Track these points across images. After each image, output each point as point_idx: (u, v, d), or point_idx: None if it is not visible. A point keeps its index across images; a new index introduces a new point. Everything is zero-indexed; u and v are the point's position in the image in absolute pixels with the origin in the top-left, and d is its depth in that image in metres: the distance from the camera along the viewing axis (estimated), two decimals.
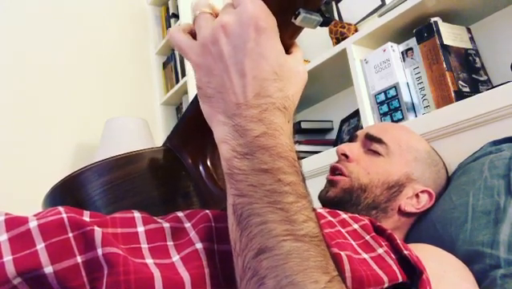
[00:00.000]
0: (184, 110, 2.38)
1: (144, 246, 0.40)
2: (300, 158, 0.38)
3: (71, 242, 0.37)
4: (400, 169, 0.73)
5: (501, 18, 1.13)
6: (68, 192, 0.50)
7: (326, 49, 1.43)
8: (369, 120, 1.21)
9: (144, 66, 2.53)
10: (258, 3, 0.37)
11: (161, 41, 2.52)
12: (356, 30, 1.40)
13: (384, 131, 0.78)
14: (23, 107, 1.99)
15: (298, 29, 0.40)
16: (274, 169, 0.35)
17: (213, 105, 0.38)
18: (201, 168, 0.50)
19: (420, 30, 1.11)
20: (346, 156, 0.76)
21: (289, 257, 0.31)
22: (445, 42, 1.07)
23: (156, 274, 0.36)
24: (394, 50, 1.18)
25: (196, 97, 0.45)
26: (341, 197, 0.72)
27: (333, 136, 1.61)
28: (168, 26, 2.49)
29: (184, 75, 2.26)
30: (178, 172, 0.50)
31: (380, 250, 0.52)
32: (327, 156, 1.19)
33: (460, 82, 1.05)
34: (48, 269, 0.35)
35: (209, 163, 0.50)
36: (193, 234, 0.42)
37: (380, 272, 0.47)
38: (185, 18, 2.24)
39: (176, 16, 2.38)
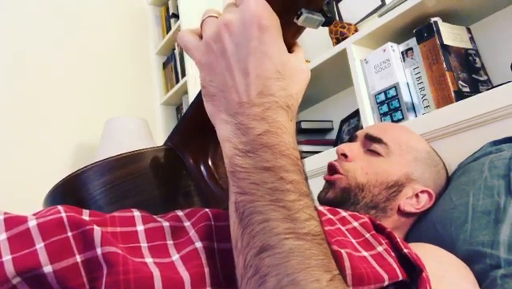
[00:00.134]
0: (184, 110, 2.38)
1: (144, 245, 0.40)
2: (303, 157, 0.38)
3: (70, 242, 0.37)
4: (399, 169, 0.74)
5: (501, 18, 1.13)
6: (69, 191, 0.50)
7: (326, 49, 1.43)
8: (369, 120, 1.21)
9: (144, 66, 2.53)
10: (261, 2, 0.37)
11: (161, 41, 2.52)
12: (356, 30, 1.40)
13: (383, 131, 0.78)
14: (23, 107, 1.99)
15: (301, 29, 0.40)
16: (276, 167, 0.35)
17: (216, 104, 0.38)
18: (202, 167, 0.50)
19: (420, 30, 1.11)
20: (345, 155, 0.76)
21: (291, 255, 0.31)
22: (445, 42, 1.07)
23: (156, 274, 0.36)
24: (394, 50, 1.18)
25: (197, 97, 0.45)
26: (340, 198, 0.73)
27: (333, 136, 1.61)
28: (168, 26, 2.49)
29: (184, 75, 2.26)
30: (179, 172, 0.50)
31: (380, 248, 0.52)
32: (327, 156, 1.19)
33: (460, 82, 1.05)
34: (47, 268, 0.35)
35: (210, 162, 0.50)
36: (192, 233, 0.42)
37: (380, 270, 0.47)
38: (185, 18, 2.24)
39: (176, 16, 2.38)
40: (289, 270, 0.31)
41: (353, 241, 0.52)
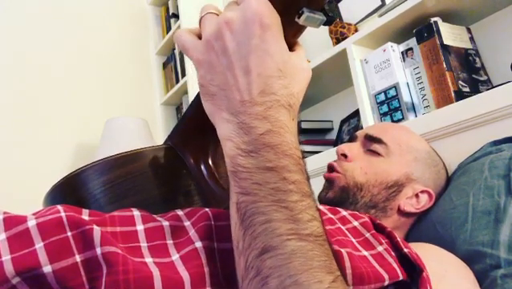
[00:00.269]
0: (184, 110, 2.38)
1: (144, 244, 0.40)
2: (304, 156, 0.38)
3: (69, 241, 0.37)
4: (399, 169, 0.74)
5: (501, 18, 1.13)
6: (69, 191, 0.50)
7: (326, 49, 1.43)
8: (369, 120, 1.21)
9: (144, 66, 2.53)
10: (262, 0, 0.36)
11: (161, 41, 2.52)
12: (356, 30, 1.40)
13: (383, 131, 0.78)
14: (23, 107, 1.99)
15: (302, 28, 0.40)
16: (278, 167, 0.34)
17: (216, 103, 0.38)
18: (202, 167, 0.50)
19: (420, 30, 1.11)
20: (345, 156, 0.76)
21: (293, 256, 0.31)
22: (445, 42, 1.07)
23: (156, 274, 0.36)
24: (394, 50, 1.18)
25: (197, 96, 0.45)
26: (340, 197, 0.73)
27: (333, 136, 1.60)
28: (168, 26, 2.49)
29: (184, 75, 2.26)
30: (179, 171, 0.50)
31: (380, 248, 0.52)
32: (327, 156, 1.19)
33: (460, 82, 1.05)
34: (47, 268, 0.35)
35: (210, 162, 0.50)
36: (192, 233, 0.42)
37: (381, 270, 0.47)
38: (185, 18, 2.24)
39: (176, 16, 2.38)
40: (291, 272, 0.31)
41: (353, 240, 0.52)
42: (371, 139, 0.77)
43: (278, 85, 0.37)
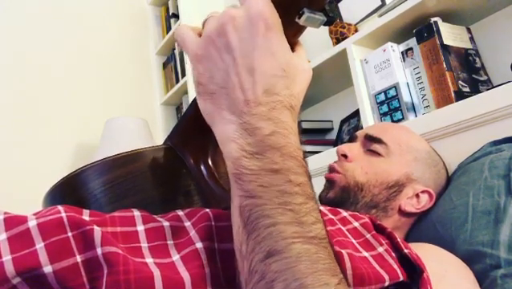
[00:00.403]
0: (184, 110, 2.38)
1: (144, 245, 0.40)
2: (306, 157, 0.37)
3: (70, 242, 0.37)
4: (399, 169, 0.74)
5: (501, 18, 1.13)
6: (69, 191, 0.50)
7: (326, 49, 1.43)
8: (369, 120, 1.21)
9: (144, 66, 2.53)
10: (265, 0, 0.36)
11: (161, 41, 2.51)
12: (356, 30, 1.40)
13: (383, 131, 0.78)
14: (23, 107, 1.99)
15: (302, 28, 0.40)
16: (284, 169, 0.34)
17: (216, 102, 0.37)
18: (202, 167, 0.50)
19: (420, 30, 1.11)
20: (345, 156, 0.76)
21: (299, 260, 0.31)
22: (445, 42, 1.07)
23: (156, 274, 0.36)
24: (394, 50, 1.18)
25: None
26: (340, 197, 0.73)
27: (333, 136, 1.60)
28: (168, 26, 2.49)
29: (184, 75, 2.26)
30: (179, 171, 0.50)
31: (381, 249, 0.52)
32: (327, 156, 1.19)
33: (460, 82, 1.05)
34: (47, 268, 0.35)
35: (210, 162, 0.50)
36: (193, 233, 0.42)
37: (381, 270, 0.47)
38: (185, 18, 2.24)
39: (176, 16, 2.38)
40: (297, 275, 0.30)
41: (354, 241, 0.52)
42: (371, 139, 0.77)
43: (280, 85, 0.36)
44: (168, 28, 2.49)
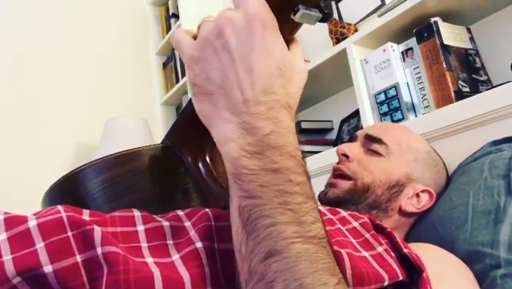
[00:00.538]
0: None
1: (144, 244, 0.40)
2: (305, 157, 0.37)
3: (70, 241, 0.37)
4: (400, 169, 0.73)
5: (501, 18, 1.13)
6: (68, 190, 0.50)
7: (326, 49, 1.43)
8: (369, 120, 1.21)
9: (144, 66, 2.53)
10: (261, 1, 0.36)
11: (161, 41, 2.52)
12: (356, 30, 1.40)
13: (383, 131, 0.78)
14: (23, 107, 1.99)
15: (298, 25, 0.40)
16: (283, 169, 0.34)
17: (214, 102, 0.37)
18: (200, 165, 0.50)
19: (420, 30, 1.11)
20: (346, 156, 0.76)
21: (298, 260, 0.31)
22: (445, 42, 1.07)
23: (156, 274, 0.36)
24: (394, 50, 1.18)
25: None
26: (342, 198, 0.72)
27: (333, 136, 1.60)
28: (168, 26, 2.49)
29: (184, 75, 2.26)
30: (177, 169, 0.50)
31: (380, 249, 0.52)
32: (327, 156, 1.19)
33: (460, 82, 1.05)
34: (48, 268, 0.35)
35: (208, 160, 0.50)
36: (192, 233, 0.42)
37: (381, 270, 0.47)
38: (185, 18, 2.24)
39: (176, 16, 2.38)
40: (296, 275, 0.30)
41: (353, 241, 0.52)
42: (371, 139, 0.77)
43: (277, 84, 0.36)
44: (168, 28, 2.49)
